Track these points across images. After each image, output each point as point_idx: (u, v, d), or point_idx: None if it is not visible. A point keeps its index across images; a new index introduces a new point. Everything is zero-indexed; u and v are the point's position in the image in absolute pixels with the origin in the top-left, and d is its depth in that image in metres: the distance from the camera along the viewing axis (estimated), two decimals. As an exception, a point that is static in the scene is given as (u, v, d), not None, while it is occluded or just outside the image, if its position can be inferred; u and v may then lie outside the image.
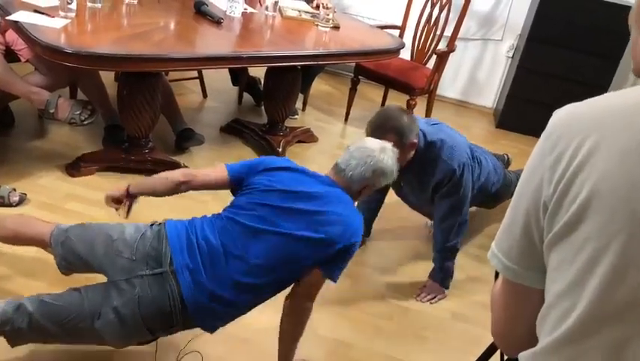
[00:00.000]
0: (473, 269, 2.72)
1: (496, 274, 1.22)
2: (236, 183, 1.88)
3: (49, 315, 1.66)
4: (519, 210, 0.80)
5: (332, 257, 1.76)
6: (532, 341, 0.80)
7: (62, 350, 1.86)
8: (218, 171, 1.91)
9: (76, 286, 1.76)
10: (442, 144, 2.33)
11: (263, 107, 3.57)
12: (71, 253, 1.82)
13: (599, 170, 0.69)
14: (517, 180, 2.85)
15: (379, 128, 2.18)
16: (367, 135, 2.14)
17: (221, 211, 1.85)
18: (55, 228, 1.88)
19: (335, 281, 1.80)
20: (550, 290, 0.76)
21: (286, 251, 1.72)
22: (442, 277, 2.50)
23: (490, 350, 1.50)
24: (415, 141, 2.24)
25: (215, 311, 1.72)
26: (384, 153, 1.90)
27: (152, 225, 1.82)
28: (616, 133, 0.70)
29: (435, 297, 2.49)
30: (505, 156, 3.45)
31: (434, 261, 2.51)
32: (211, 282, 1.69)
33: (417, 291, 2.51)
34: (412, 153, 2.27)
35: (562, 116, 0.78)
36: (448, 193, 2.37)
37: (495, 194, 2.80)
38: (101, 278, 1.82)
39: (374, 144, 1.93)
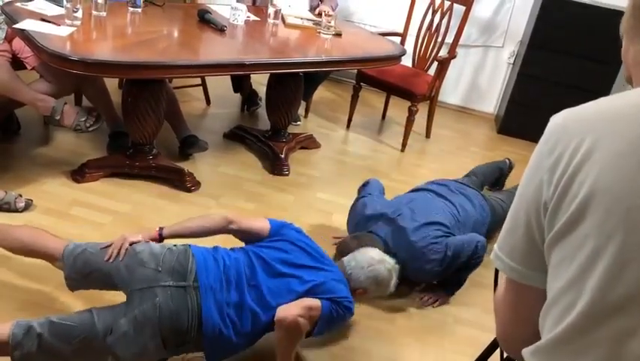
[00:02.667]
0: (476, 274, 2.71)
1: (496, 279, 1.24)
2: (274, 234, 2.00)
3: (58, 335, 1.67)
4: (520, 213, 0.82)
5: (330, 302, 1.86)
6: (538, 341, 0.82)
7: None
8: (262, 221, 2.04)
9: (86, 308, 1.77)
10: (405, 252, 2.34)
11: (266, 114, 3.61)
12: (89, 265, 1.83)
13: (596, 171, 0.72)
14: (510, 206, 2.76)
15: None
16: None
17: (242, 247, 1.99)
18: (69, 243, 1.90)
19: (314, 335, 1.90)
20: (551, 287, 0.78)
21: (294, 287, 1.85)
22: (453, 285, 2.52)
23: (489, 351, 1.51)
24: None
25: (227, 337, 1.75)
26: (383, 264, 2.09)
27: (174, 245, 1.87)
28: (611, 135, 0.73)
29: (437, 300, 2.50)
30: (507, 161, 3.47)
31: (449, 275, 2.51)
32: (232, 307, 1.75)
33: (420, 295, 2.52)
34: None
35: (559, 120, 0.81)
36: (446, 271, 2.40)
37: (491, 228, 2.80)
38: (108, 295, 1.85)
39: (375, 253, 2.13)
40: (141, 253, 1.78)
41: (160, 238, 1.93)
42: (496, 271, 1.19)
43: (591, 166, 0.72)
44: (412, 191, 2.78)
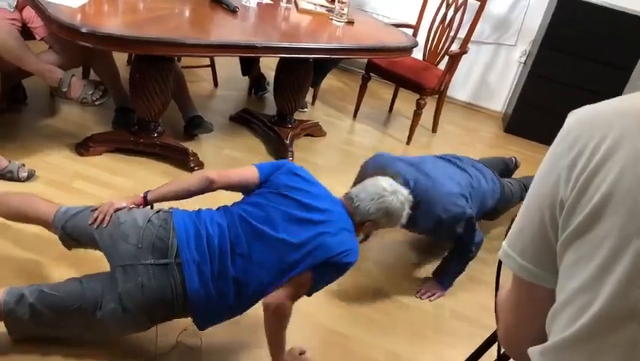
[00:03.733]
0: (474, 270, 2.71)
1: (497, 279, 1.22)
2: (264, 181, 1.90)
3: (49, 305, 1.68)
4: (534, 210, 0.80)
5: (323, 263, 1.76)
6: (543, 342, 0.79)
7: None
8: (250, 171, 1.92)
9: (76, 277, 1.78)
10: (424, 192, 2.29)
11: (273, 99, 3.59)
12: (77, 229, 1.84)
13: (618, 169, 0.69)
14: (521, 190, 2.82)
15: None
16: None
17: (230, 206, 1.89)
18: (59, 208, 1.91)
19: (310, 294, 1.82)
20: (565, 287, 0.76)
21: (290, 258, 1.75)
22: (446, 279, 2.51)
23: (484, 348, 1.50)
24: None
25: (215, 307, 1.75)
26: (395, 195, 1.94)
27: (157, 211, 1.84)
28: (634, 133, 0.70)
29: (434, 294, 2.50)
30: (513, 159, 3.45)
31: (443, 262, 2.52)
32: (216, 278, 1.72)
33: (417, 288, 2.52)
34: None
35: (579, 116, 0.77)
36: (446, 232, 2.40)
37: (493, 209, 2.80)
38: (102, 263, 1.85)
39: (388, 183, 1.97)
40: (124, 225, 1.75)
41: (145, 203, 1.89)
42: (498, 272, 1.16)
43: (613, 164, 0.70)
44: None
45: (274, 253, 1.75)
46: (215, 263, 1.72)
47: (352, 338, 2.19)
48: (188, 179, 1.96)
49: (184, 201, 1.94)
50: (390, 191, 1.94)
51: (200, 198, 1.95)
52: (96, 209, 1.83)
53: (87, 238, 1.82)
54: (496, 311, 0.91)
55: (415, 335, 2.29)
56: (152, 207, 1.89)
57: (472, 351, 1.59)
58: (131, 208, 1.84)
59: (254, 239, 1.76)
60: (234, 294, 1.74)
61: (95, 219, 1.80)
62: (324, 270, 1.78)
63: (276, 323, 1.80)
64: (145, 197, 1.89)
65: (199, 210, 1.87)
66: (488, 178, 2.73)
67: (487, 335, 2.34)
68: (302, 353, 2.03)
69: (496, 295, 1.01)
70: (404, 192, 1.98)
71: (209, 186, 1.89)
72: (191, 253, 1.71)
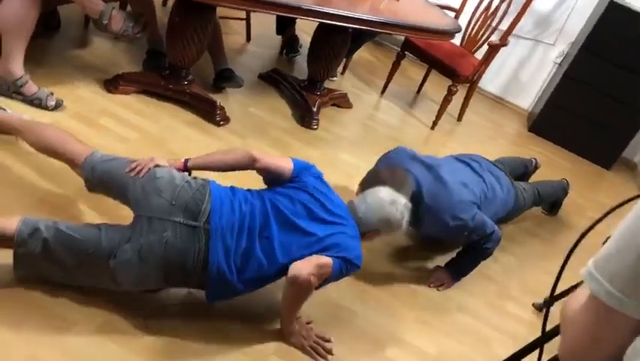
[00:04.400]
0: (485, 267, 2.70)
1: (551, 293, 1.18)
2: (295, 178, 1.94)
3: (63, 245, 1.65)
4: (635, 239, 0.76)
5: (342, 260, 1.82)
6: None
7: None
8: (287, 164, 1.96)
9: (95, 223, 1.76)
10: (434, 198, 2.29)
11: (304, 63, 3.53)
12: (109, 174, 1.83)
13: None
14: (534, 196, 2.81)
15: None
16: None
17: (260, 190, 1.93)
18: (93, 152, 1.89)
19: (318, 287, 1.85)
20: None
21: (313, 251, 1.80)
22: (458, 272, 2.51)
23: (521, 354, 1.49)
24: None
25: (230, 282, 1.74)
26: (394, 205, 1.99)
27: (195, 178, 1.84)
28: None
29: (443, 285, 2.50)
30: (533, 161, 3.41)
31: (460, 256, 2.51)
32: (239, 254, 1.73)
33: (427, 276, 2.52)
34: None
35: None
36: (458, 238, 2.40)
37: (507, 216, 2.82)
38: (123, 210, 1.84)
39: (386, 194, 2.01)
40: (160, 180, 1.75)
41: (185, 169, 1.90)
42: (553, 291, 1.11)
43: None
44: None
45: (299, 241, 1.80)
46: (242, 240, 1.74)
47: (359, 316, 2.20)
48: (232, 153, 1.99)
49: (213, 174, 1.96)
50: (389, 201, 1.99)
51: (224, 175, 1.98)
52: (135, 160, 1.82)
53: (117, 184, 1.80)
54: (560, 323, 0.89)
55: (419, 322, 2.30)
56: (189, 174, 1.89)
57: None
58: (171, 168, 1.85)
59: (282, 226, 1.81)
60: (253, 273, 1.76)
61: (133, 169, 1.78)
62: (341, 265, 1.82)
63: (300, 295, 1.82)
64: (185, 163, 1.90)
65: (233, 187, 1.89)
66: (504, 186, 2.70)
67: (492, 333, 2.37)
68: (308, 322, 2.04)
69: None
70: (402, 201, 2.02)
71: (251, 165, 1.93)
72: (221, 223, 1.72)
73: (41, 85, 2.54)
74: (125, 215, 1.85)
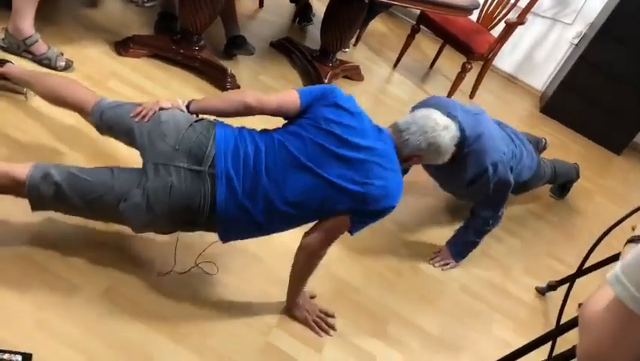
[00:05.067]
0: (488, 247, 2.72)
1: (550, 287, 1.18)
2: (305, 109, 1.80)
3: (76, 188, 1.65)
4: None
5: (364, 212, 1.75)
6: None
7: (85, 230, 1.88)
8: (290, 96, 1.81)
9: (109, 165, 1.75)
10: (477, 140, 2.24)
11: (317, 32, 3.47)
12: (116, 119, 1.81)
13: None
14: (552, 171, 2.77)
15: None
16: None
17: (272, 130, 1.82)
18: (101, 99, 1.88)
19: (352, 234, 1.80)
20: None
21: (323, 194, 1.72)
22: (461, 249, 2.50)
23: (532, 346, 1.48)
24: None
25: (240, 224, 1.73)
26: (447, 131, 1.86)
27: (201, 119, 1.79)
28: None
29: (447, 264, 2.50)
30: (543, 140, 3.37)
31: (459, 232, 2.51)
32: (246, 196, 1.69)
33: (432, 255, 2.52)
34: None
35: None
36: (480, 190, 2.33)
37: (525, 184, 2.76)
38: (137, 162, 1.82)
39: (440, 118, 1.88)
40: (165, 124, 1.71)
41: (187, 112, 1.83)
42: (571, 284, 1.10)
43: None
44: None
45: (308, 184, 1.71)
46: (248, 182, 1.69)
47: (361, 292, 2.21)
48: (229, 100, 1.86)
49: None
50: (443, 126, 1.85)
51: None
52: (140, 104, 1.79)
53: (124, 129, 1.78)
54: (579, 323, 0.88)
55: (422, 300, 2.31)
56: (197, 116, 1.82)
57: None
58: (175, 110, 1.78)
59: (289, 167, 1.71)
60: (262, 215, 1.71)
61: (138, 114, 1.76)
62: (362, 217, 1.76)
63: (309, 263, 1.82)
64: (188, 106, 1.83)
65: (242, 128, 1.82)
66: (528, 152, 2.69)
67: (493, 314, 2.38)
68: (312, 297, 2.05)
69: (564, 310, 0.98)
70: (454, 128, 1.90)
71: (247, 112, 1.82)
72: (226, 166, 1.68)
73: (51, 43, 2.50)
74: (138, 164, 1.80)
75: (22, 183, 1.62)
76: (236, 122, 1.84)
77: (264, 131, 1.83)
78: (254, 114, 1.82)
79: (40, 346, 1.54)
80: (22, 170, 1.64)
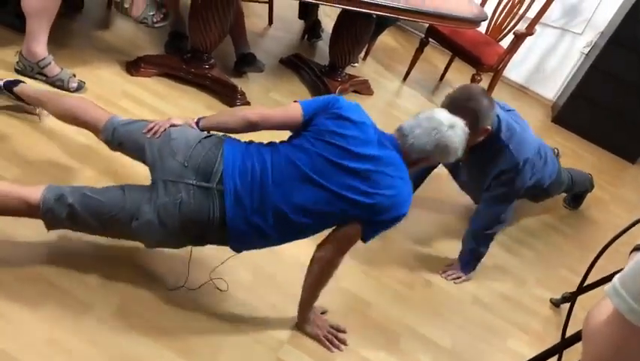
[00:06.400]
0: (501, 259, 2.70)
1: (565, 299, 1.17)
2: (309, 120, 1.81)
3: (89, 209, 1.67)
4: None
5: (376, 221, 1.76)
6: None
7: (97, 246, 1.90)
8: (293, 110, 1.82)
9: (120, 184, 1.77)
10: (513, 134, 2.26)
11: (325, 48, 3.50)
12: (127, 135, 1.85)
13: None
14: (569, 180, 2.76)
15: (458, 105, 2.04)
16: (443, 107, 2.01)
17: (278, 143, 1.84)
18: (113, 116, 1.92)
19: (365, 242, 1.81)
20: None
21: (333, 207, 1.72)
22: (469, 259, 2.48)
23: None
24: (489, 127, 2.16)
25: (252, 238, 1.75)
26: (453, 129, 1.82)
27: (210, 135, 1.81)
28: None
29: (459, 278, 2.48)
30: (555, 150, 3.35)
31: (464, 242, 2.49)
32: (255, 212, 1.70)
33: (443, 268, 2.50)
34: (482, 137, 2.19)
35: None
36: (504, 183, 2.32)
37: (546, 189, 2.77)
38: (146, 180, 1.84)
39: (445, 117, 1.84)
40: (175, 141, 1.73)
41: (197, 128, 1.85)
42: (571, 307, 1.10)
43: None
44: None
45: (316, 197, 1.71)
46: (256, 197, 1.69)
47: (373, 307, 2.20)
48: (234, 117, 1.88)
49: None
50: (448, 125, 1.80)
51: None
52: (152, 122, 1.83)
53: (135, 146, 1.81)
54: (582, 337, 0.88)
55: (435, 314, 2.29)
56: (208, 132, 1.84)
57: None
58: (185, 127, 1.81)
59: (297, 181, 1.71)
60: (272, 230, 1.72)
61: (150, 130, 1.79)
62: (374, 225, 1.77)
63: (323, 274, 1.82)
64: (197, 123, 1.85)
65: (249, 143, 1.83)
66: (551, 157, 2.70)
67: (507, 327, 2.36)
68: (323, 312, 2.05)
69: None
70: (461, 125, 1.84)
71: (251, 128, 1.84)
72: (234, 183, 1.69)
73: (63, 64, 2.55)
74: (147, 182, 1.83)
75: (36, 207, 1.65)
76: (245, 136, 1.86)
77: (271, 144, 1.85)
78: (259, 130, 1.84)
79: (53, 364, 1.56)
80: (35, 194, 1.66)
